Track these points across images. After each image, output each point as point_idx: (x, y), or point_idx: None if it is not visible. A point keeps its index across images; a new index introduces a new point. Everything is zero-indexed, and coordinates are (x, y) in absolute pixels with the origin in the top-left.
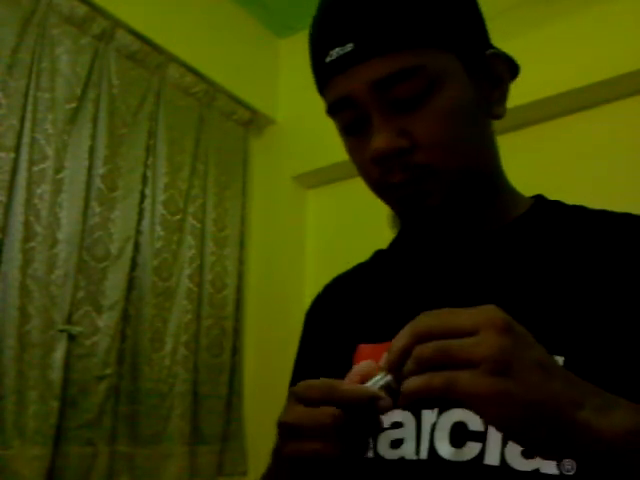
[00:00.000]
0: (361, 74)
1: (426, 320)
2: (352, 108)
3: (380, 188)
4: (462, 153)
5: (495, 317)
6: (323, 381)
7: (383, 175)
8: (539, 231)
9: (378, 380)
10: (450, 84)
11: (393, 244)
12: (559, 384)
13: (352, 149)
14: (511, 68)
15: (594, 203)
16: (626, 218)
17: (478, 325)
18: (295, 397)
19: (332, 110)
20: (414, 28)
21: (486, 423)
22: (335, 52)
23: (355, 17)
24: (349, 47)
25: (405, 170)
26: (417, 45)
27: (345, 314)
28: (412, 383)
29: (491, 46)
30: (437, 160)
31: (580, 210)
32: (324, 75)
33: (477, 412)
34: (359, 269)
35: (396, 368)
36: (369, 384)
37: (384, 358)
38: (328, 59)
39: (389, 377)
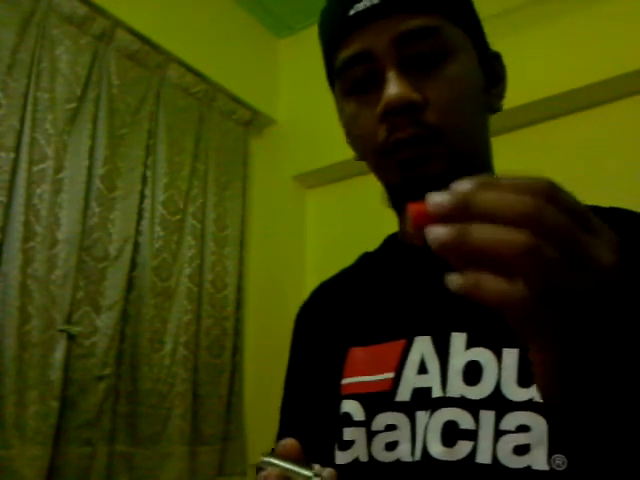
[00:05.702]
0: (384, 28)
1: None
2: (367, 63)
3: (384, 150)
4: (468, 124)
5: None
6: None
7: (391, 132)
8: None
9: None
10: (464, 57)
11: (381, 247)
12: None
13: (356, 110)
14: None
15: (593, 203)
16: (613, 212)
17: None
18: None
19: (346, 66)
20: None
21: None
22: (362, 4)
23: None
24: (376, 0)
25: (415, 126)
26: (438, 12)
27: (334, 319)
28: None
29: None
30: (446, 123)
31: None
32: (343, 31)
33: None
34: (344, 274)
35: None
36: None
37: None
38: (352, 12)
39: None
